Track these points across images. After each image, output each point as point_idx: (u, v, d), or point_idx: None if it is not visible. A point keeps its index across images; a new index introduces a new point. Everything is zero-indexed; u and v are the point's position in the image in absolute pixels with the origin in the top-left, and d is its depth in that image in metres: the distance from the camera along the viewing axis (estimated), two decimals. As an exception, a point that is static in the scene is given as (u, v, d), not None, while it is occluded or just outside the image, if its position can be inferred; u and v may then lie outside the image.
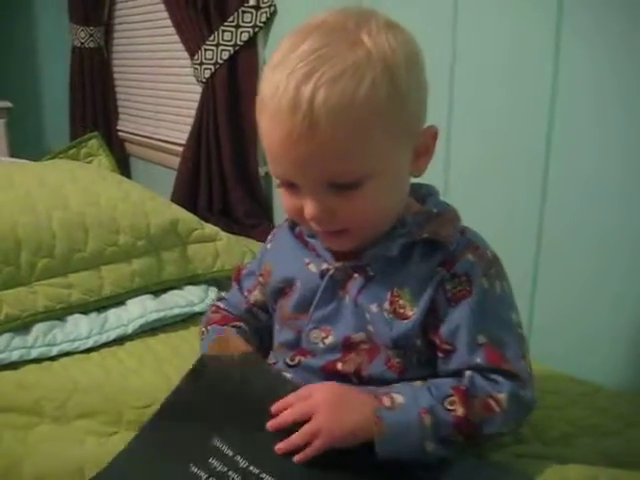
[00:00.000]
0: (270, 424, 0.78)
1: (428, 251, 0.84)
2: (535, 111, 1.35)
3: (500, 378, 0.81)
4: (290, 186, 0.80)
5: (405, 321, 0.82)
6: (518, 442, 1.02)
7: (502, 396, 0.80)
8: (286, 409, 0.78)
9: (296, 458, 0.76)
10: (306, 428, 0.76)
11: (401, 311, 0.83)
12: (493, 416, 0.80)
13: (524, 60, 1.37)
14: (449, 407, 0.78)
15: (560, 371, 1.25)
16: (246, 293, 1.05)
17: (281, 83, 0.73)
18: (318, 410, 0.77)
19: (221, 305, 1.07)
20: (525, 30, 1.35)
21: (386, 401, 0.78)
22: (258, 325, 1.02)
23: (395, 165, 0.80)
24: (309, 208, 0.78)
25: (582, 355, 1.32)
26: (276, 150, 0.76)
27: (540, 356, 1.12)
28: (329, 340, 0.86)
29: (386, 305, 0.83)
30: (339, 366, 0.86)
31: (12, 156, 2.88)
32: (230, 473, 0.76)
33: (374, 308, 0.84)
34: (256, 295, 1.03)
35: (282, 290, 0.93)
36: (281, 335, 0.94)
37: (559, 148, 1.33)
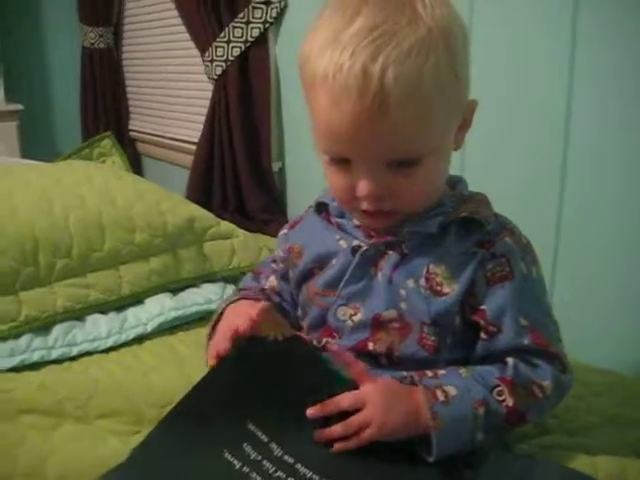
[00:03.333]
0: (314, 409, 0.76)
1: (464, 230, 0.84)
2: (554, 80, 1.34)
3: (543, 363, 0.81)
4: (343, 163, 0.78)
5: (443, 297, 0.81)
6: (543, 433, 1.02)
7: (546, 383, 0.80)
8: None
9: (336, 447, 0.75)
10: (356, 419, 0.75)
11: (438, 288, 0.82)
12: (537, 402, 0.80)
13: (541, 27, 1.37)
14: (498, 398, 0.78)
15: (582, 361, 1.23)
16: (263, 281, 1.04)
17: (344, 63, 0.71)
18: (370, 401, 0.75)
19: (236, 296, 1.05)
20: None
21: (440, 395, 0.76)
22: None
23: (448, 142, 0.81)
24: (364, 186, 0.77)
25: (605, 344, 1.31)
26: (339, 129, 0.74)
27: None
28: (357, 317, 0.85)
29: (422, 281, 0.82)
30: (370, 346, 0.83)
31: (24, 158, 2.89)
32: (264, 462, 0.74)
33: (411, 284, 0.83)
34: (272, 281, 1.01)
35: (311, 271, 0.91)
36: (307, 316, 0.92)
37: (579, 121, 1.32)
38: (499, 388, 0.78)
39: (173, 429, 0.80)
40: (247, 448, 0.75)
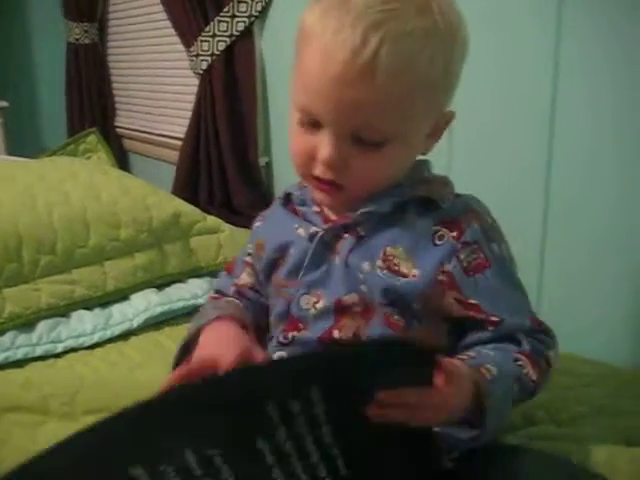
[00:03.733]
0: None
1: (422, 210, 0.83)
2: (539, 72, 1.34)
3: (543, 336, 0.82)
4: (311, 126, 0.78)
5: (403, 279, 0.80)
6: (530, 424, 1.01)
7: (551, 353, 0.82)
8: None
9: (375, 411, 0.65)
10: (429, 397, 0.66)
11: (396, 268, 0.80)
12: (546, 374, 0.81)
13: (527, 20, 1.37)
14: (524, 371, 0.78)
15: (571, 351, 1.22)
16: (235, 279, 1.02)
17: (346, 23, 0.72)
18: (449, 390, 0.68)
19: (212, 295, 1.04)
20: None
21: (486, 373, 0.73)
22: (250, 307, 0.98)
23: (417, 136, 0.80)
24: (325, 150, 0.77)
25: (594, 334, 1.31)
26: (319, 85, 0.75)
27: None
28: (320, 305, 0.83)
29: (379, 262, 0.81)
30: (336, 334, 0.82)
31: (9, 155, 2.87)
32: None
33: (366, 266, 0.81)
34: (244, 278, 0.99)
35: (276, 262, 0.90)
36: (274, 308, 0.91)
37: (564, 116, 1.32)
38: (520, 362, 0.78)
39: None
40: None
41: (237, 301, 0.97)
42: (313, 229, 0.86)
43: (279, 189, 2.29)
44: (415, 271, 0.80)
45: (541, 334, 0.82)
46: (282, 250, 0.89)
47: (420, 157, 0.88)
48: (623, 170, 1.25)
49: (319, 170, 0.79)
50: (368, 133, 0.76)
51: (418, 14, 0.73)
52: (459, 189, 0.88)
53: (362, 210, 0.82)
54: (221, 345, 0.80)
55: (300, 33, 0.79)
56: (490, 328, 0.81)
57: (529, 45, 1.36)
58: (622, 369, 1.21)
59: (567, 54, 1.30)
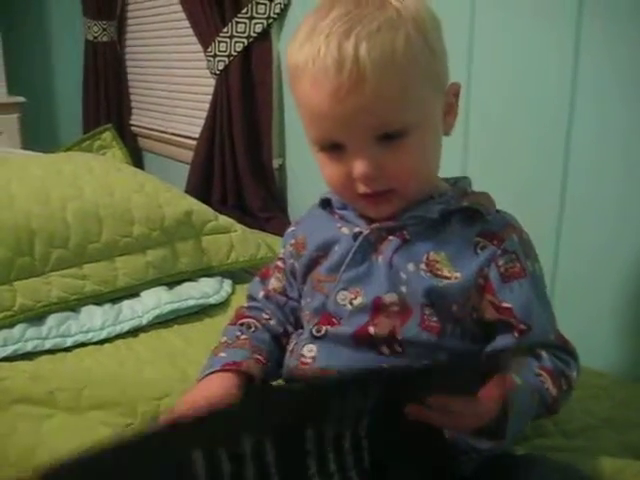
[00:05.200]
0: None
1: (466, 221, 0.85)
2: (559, 63, 1.33)
3: (568, 357, 0.83)
4: (334, 149, 0.81)
5: (444, 280, 0.82)
6: (539, 435, 1.01)
7: (573, 375, 0.82)
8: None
9: (416, 411, 0.66)
10: (473, 406, 0.69)
11: (439, 272, 0.82)
12: (565, 394, 0.82)
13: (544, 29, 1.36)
14: (543, 386, 0.78)
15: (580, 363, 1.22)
16: (266, 283, 1.03)
17: (321, 46, 0.76)
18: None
19: (244, 305, 1.04)
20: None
21: (517, 379, 0.74)
22: (278, 312, 0.99)
23: (433, 117, 0.83)
24: (358, 166, 0.79)
25: (603, 347, 1.30)
26: (321, 111, 0.78)
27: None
28: (357, 301, 0.84)
29: (423, 265, 0.83)
30: (371, 330, 0.82)
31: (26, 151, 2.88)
32: None
33: (411, 267, 0.83)
34: (273, 283, 1.01)
35: (316, 260, 0.91)
36: (310, 304, 0.91)
37: (582, 123, 1.32)
38: (541, 377, 0.78)
39: None
40: None
41: (259, 330, 0.96)
42: (357, 229, 0.87)
43: (292, 191, 2.29)
44: (457, 274, 0.82)
45: (564, 353, 0.83)
46: (325, 247, 0.90)
47: (460, 176, 0.92)
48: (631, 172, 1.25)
49: (362, 188, 0.81)
50: (387, 128, 0.78)
51: (379, 10, 0.77)
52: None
53: (410, 214, 0.84)
54: (196, 404, 0.80)
55: (289, 73, 0.83)
56: (517, 335, 0.81)
57: (547, 48, 1.36)
58: (626, 380, 1.21)
59: (586, 58, 1.29)
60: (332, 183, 0.85)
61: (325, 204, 0.95)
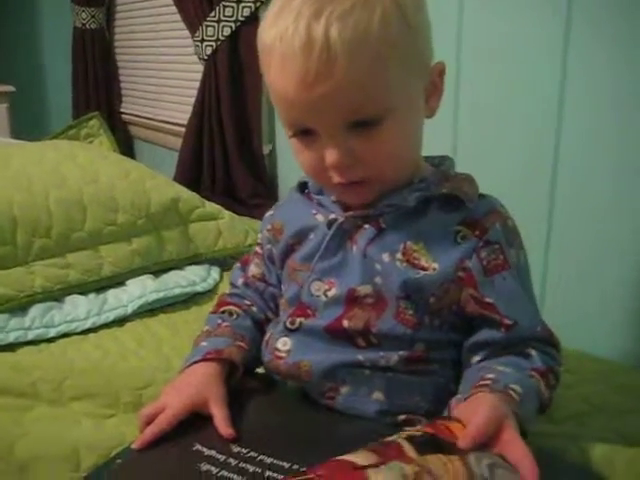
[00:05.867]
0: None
1: (446, 208, 0.81)
2: (548, 54, 1.30)
3: (553, 350, 0.81)
4: (306, 135, 0.77)
5: (421, 272, 0.79)
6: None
7: (558, 368, 0.81)
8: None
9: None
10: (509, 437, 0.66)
11: (416, 262, 0.79)
12: (553, 389, 0.80)
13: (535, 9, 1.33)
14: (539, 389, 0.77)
15: (572, 347, 1.19)
16: (246, 269, 1.02)
17: (289, 26, 0.71)
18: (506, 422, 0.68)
19: (226, 291, 1.03)
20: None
21: (514, 395, 0.72)
22: (258, 300, 0.98)
23: (411, 100, 0.78)
24: (330, 155, 0.75)
25: (598, 329, 1.28)
26: (291, 95, 0.73)
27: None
28: (332, 293, 0.82)
29: (399, 255, 0.80)
30: (345, 323, 0.80)
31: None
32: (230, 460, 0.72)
33: (386, 257, 0.80)
34: (252, 269, 0.99)
35: (292, 247, 0.89)
36: (286, 292, 0.90)
37: (572, 103, 1.29)
38: (533, 380, 0.76)
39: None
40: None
41: (241, 317, 0.95)
42: (332, 216, 0.84)
43: (283, 178, 2.27)
44: (435, 265, 0.79)
45: (550, 347, 0.81)
46: (300, 235, 0.88)
47: (444, 155, 0.88)
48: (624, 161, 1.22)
49: (336, 177, 0.78)
50: (360, 116, 0.74)
51: None
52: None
53: (386, 202, 0.81)
54: (180, 392, 0.82)
55: (260, 52, 0.78)
56: (503, 330, 0.79)
57: (537, 36, 1.33)
58: (625, 366, 1.18)
59: (575, 48, 1.26)
60: (306, 170, 0.82)
61: (302, 188, 0.92)
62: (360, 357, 0.79)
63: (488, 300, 0.79)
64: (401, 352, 0.79)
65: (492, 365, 0.78)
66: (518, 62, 1.37)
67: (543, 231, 1.36)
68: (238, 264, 1.04)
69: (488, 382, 0.74)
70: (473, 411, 0.68)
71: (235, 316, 0.95)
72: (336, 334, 0.81)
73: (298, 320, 0.84)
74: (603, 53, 1.22)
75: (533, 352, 0.79)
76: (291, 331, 0.84)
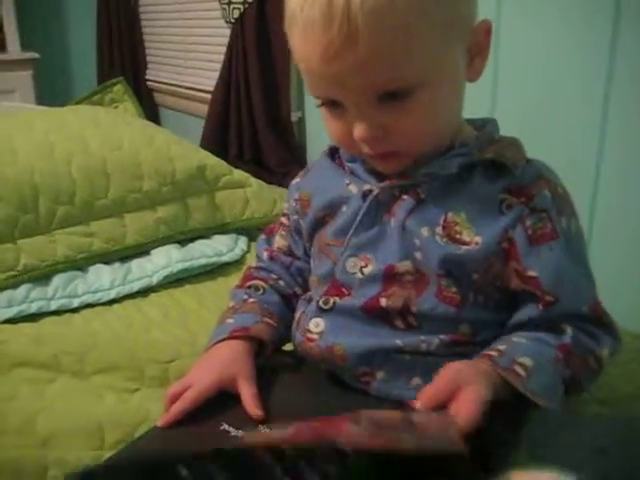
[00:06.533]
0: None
1: (490, 175, 0.75)
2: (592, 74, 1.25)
3: (600, 331, 0.75)
4: (334, 106, 0.72)
5: (463, 247, 0.73)
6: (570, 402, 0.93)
7: (604, 353, 0.75)
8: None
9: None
10: (464, 395, 0.65)
11: (457, 237, 0.73)
12: (592, 372, 0.75)
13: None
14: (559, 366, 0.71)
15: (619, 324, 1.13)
16: (271, 242, 0.97)
17: None
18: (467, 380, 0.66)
19: (252, 265, 0.98)
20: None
21: (520, 371, 0.68)
22: (284, 274, 0.93)
23: (449, 69, 0.71)
24: (359, 129, 0.70)
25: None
26: (314, 68, 0.68)
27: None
28: (368, 270, 0.76)
29: (439, 229, 0.74)
30: (383, 302, 0.75)
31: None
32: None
33: (425, 232, 0.74)
34: (278, 241, 0.94)
35: (322, 219, 0.83)
36: (318, 268, 0.84)
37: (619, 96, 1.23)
38: (556, 356, 0.71)
39: None
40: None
41: (267, 292, 0.90)
42: (367, 187, 0.78)
43: (312, 146, 2.21)
44: (477, 238, 0.73)
45: (596, 327, 0.75)
46: (332, 207, 0.82)
47: (487, 117, 0.82)
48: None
49: (366, 149, 0.73)
50: (388, 88, 0.68)
51: None
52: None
53: (425, 171, 0.75)
54: (207, 370, 0.79)
55: (285, 17, 0.72)
56: (541, 307, 0.73)
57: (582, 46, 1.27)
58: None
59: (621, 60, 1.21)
60: (335, 139, 0.77)
61: (333, 153, 0.86)
62: (399, 342, 0.74)
63: (531, 273, 0.73)
64: (442, 336, 0.74)
65: (511, 337, 0.73)
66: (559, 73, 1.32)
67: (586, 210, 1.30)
68: (263, 235, 0.99)
69: (494, 354, 0.70)
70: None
71: (262, 291, 0.90)
72: (373, 314, 0.76)
73: (332, 300, 0.78)
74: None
75: (569, 329, 0.73)
76: (324, 311, 0.79)
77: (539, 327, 0.74)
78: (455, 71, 0.72)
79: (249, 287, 0.91)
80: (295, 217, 0.90)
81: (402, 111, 0.69)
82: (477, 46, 0.73)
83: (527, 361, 0.69)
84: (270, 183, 1.87)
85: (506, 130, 0.81)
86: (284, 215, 0.94)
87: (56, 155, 1.43)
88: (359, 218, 0.77)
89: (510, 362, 0.69)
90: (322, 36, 0.65)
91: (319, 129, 2.15)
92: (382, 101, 0.69)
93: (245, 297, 0.89)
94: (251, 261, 1.37)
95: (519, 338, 0.73)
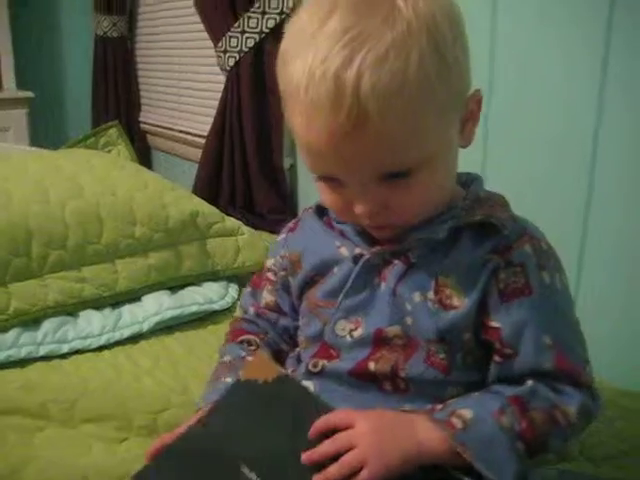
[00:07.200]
0: (307, 456, 0.67)
1: (478, 236, 0.75)
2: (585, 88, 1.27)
3: (569, 388, 0.72)
4: (332, 181, 0.71)
5: (453, 311, 0.73)
6: (563, 460, 0.94)
7: (571, 409, 0.72)
8: (325, 433, 0.68)
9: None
10: (347, 458, 0.66)
11: (448, 302, 0.73)
12: (560, 430, 0.72)
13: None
14: (510, 417, 0.70)
15: (605, 381, 1.12)
16: (257, 296, 0.96)
17: (316, 70, 0.63)
18: (363, 439, 0.67)
19: (237, 315, 0.98)
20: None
21: (457, 422, 0.68)
22: (271, 331, 0.92)
23: (447, 143, 0.72)
24: (361, 206, 0.70)
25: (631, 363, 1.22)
26: (317, 149, 0.67)
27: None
28: (358, 333, 0.76)
29: (430, 294, 0.74)
30: (371, 366, 0.75)
31: (33, 146, 2.83)
32: None
33: (417, 297, 0.74)
34: (265, 296, 0.93)
35: (312, 279, 0.83)
36: (307, 328, 0.84)
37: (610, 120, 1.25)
38: (510, 408, 0.70)
39: (165, 471, 0.73)
40: None
41: (260, 348, 0.89)
42: (358, 250, 0.78)
43: (303, 193, 2.23)
44: (465, 300, 0.73)
45: (562, 383, 0.72)
46: (322, 268, 0.82)
47: (471, 172, 0.82)
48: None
49: (364, 221, 0.73)
50: (392, 169, 0.68)
51: (386, 24, 0.63)
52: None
53: (416, 236, 0.75)
54: None
55: (279, 76, 0.71)
56: (499, 359, 0.73)
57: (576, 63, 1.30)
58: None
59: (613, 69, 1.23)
60: (332, 209, 0.77)
61: (321, 213, 0.86)
62: (388, 407, 0.73)
63: (494, 324, 0.73)
64: (430, 404, 0.73)
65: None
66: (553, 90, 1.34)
67: (575, 250, 1.31)
68: (249, 288, 0.98)
69: (438, 407, 0.70)
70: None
71: (255, 347, 0.89)
72: (362, 378, 0.76)
73: (321, 363, 0.78)
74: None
75: (529, 382, 0.72)
76: (314, 374, 0.79)
77: (500, 380, 0.74)
78: (452, 144, 0.73)
79: (242, 342, 0.90)
80: (282, 273, 0.89)
81: (403, 188, 0.69)
82: (469, 114, 0.74)
83: (466, 412, 0.68)
84: (261, 229, 1.88)
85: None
86: (269, 270, 0.92)
87: (50, 199, 1.43)
88: (350, 282, 0.77)
89: (448, 414, 0.68)
90: (329, 120, 0.64)
91: (310, 176, 2.16)
92: (383, 180, 0.68)
93: (242, 353, 0.88)
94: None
95: (473, 393, 0.72)
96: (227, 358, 0.88)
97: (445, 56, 0.66)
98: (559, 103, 1.33)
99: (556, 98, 1.34)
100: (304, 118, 0.66)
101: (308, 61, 0.64)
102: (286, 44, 0.70)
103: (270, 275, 0.92)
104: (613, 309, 1.29)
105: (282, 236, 0.92)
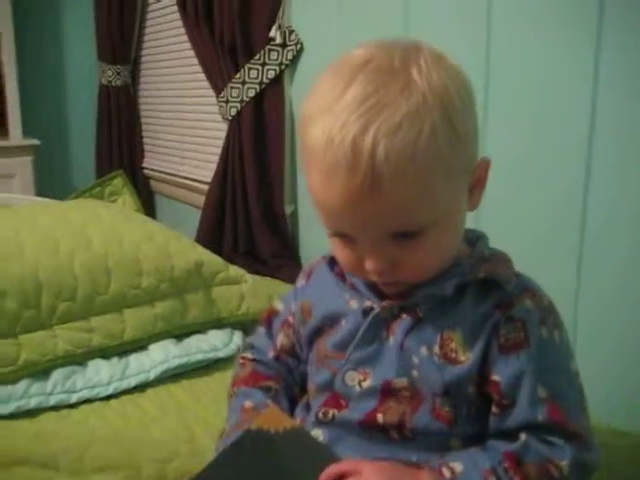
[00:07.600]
0: None
1: (482, 292, 0.78)
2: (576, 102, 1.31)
3: (560, 441, 0.74)
4: (345, 237, 0.75)
5: (458, 366, 0.77)
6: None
7: (564, 463, 0.73)
8: None
9: None
10: None
11: (453, 356, 0.77)
12: None
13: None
14: (505, 474, 0.72)
15: (601, 422, 1.13)
16: (272, 339, 0.97)
17: (336, 136, 0.68)
18: None
19: (249, 356, 0.98)
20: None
21: (446, 473, 0.71)
22: (288, 377, 0.95)
23: (455, 206, 0.76)
24: (371, 263, 0.74)
25: (628, 403, 1.25)
26: (333, 207, 0.72)
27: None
28: (367, 383, 0.80)
29: (436, 349, 0.77)
30: (380, 418, 0.78)
31: (38, 193, 2.89)
32: None
33: (424, 351, 0.78)
34: (281, 339, 0.96)
35: (321, 329, 0.87)
36: (316, 376, 0.87)
37: (599, 173, 1.29)
38: (505, 464, 0.72)
39: None
40: None
41: (274, 386, 0.92)
42: (367, 303, 0.82)
43: (304, 238, 2.26)
44: (470, 354, 0.76)
45: (555, 436, 0.74)
46: (331, 319, 0.85)
47: (476, 230, 0.86)
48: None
49: (374, 277, 0.77)
50: (402, 229, 0.72)
51: (402, 95, 0.68)
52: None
53: (424, 292, 0.79)
54: None
55: (301, 140, 0.75)
56: (497, 410, 0.76)
57: (565, 75, 1.34)
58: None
59: (605, 82, 1.27)
60: (345, 266, 0.81)
61: (332, 263, 0.89)
62: (395, 457, 0.77)
63: (494, 377, 0.76)
64: (434, 454, 0.76)
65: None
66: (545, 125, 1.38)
67: (570, 303, 1.34)
68: (262, 328, 0.99)
69: (436, 461, 0.73)
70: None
71: (274, 393, 0.92)
72: (370, 428, 0.79)
73: (331, 412, 0.82)
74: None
75: (523, 436, 0.74)
76: (323, 423, 0.82)
77: (496, 435, 0.76)
78: (460, 207, 0.76)
79: (261, 388, 0.92)
80: (296, 322, 0.93)
81: (412, 247, 0.73)
82: (477, 180, 0.78)
83: (457, 465, 0.71)
84: (263, 274, 1.92)
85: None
86: (290, 314, 0.94)
87: (60, 251, 1.47)
88: (360, 334, 0.80)
89: (439, 464, 0.72)
90: (345, 182, 0.68)
91: (311, 222, 2.21)
92: (394, 239, 0.72)
93: (267, 401, 0.90)
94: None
95: (471, 447, 0.75)
96: (249, 404, 0.90)
97: (456, 127, 0.70)
98: (552, 111, 1.37)
99: (549, 106, 1.38)
100: (323, 178, 0.71)
101: (328, 126, 0.69)
102: (308, 108, 0.74)
103: (289, 317, 0.95)
104: (612, 349, 1.31)
105: (300, 283, 0.95)
